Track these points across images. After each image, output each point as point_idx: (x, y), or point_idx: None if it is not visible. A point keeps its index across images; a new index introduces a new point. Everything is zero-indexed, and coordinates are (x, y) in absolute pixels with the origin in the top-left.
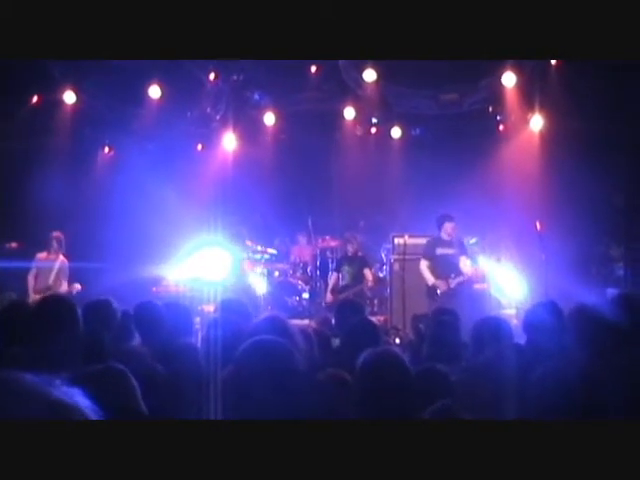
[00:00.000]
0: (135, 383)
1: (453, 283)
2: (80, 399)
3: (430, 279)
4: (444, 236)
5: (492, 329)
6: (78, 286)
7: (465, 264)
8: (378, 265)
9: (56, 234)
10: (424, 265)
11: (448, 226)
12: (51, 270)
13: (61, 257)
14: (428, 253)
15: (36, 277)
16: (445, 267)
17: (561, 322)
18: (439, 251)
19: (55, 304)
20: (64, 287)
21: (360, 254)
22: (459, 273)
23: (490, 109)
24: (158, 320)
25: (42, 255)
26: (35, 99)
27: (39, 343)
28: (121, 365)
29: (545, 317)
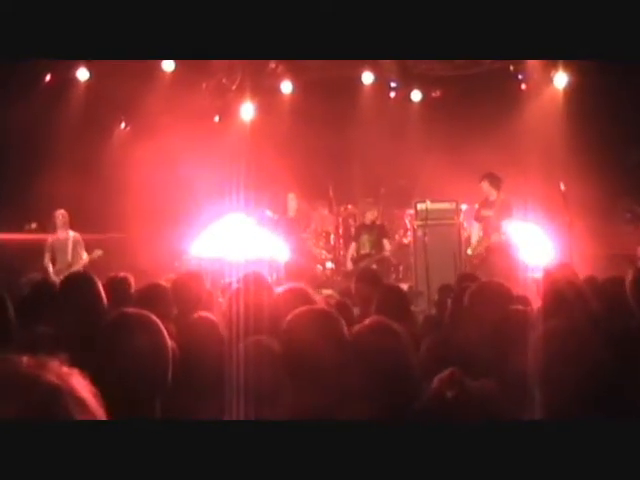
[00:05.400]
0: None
1: (480, 248)
2: (78, 380)
3: (473, 242)
4: (489, 197)
5: (489, 294)
6: (99, 251)
7: (504, 228)
8: (402, 231)
9: (59, 212)
10: (475, 227)
11: (482, 185)
12: (66, 248)
13: (71, 233)
14: (476, 215)
15: (53, 260)
16: (485, 230)
17: (575, 286)
18: (483, 213)
19: (76, 282)
20: (84, 260)
21: (379, 222)
22: (491, 236)
23: (511, 67)
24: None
25: (51, 237)
26: (48, 78)
27: (63, 322)
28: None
29: (559, 281)
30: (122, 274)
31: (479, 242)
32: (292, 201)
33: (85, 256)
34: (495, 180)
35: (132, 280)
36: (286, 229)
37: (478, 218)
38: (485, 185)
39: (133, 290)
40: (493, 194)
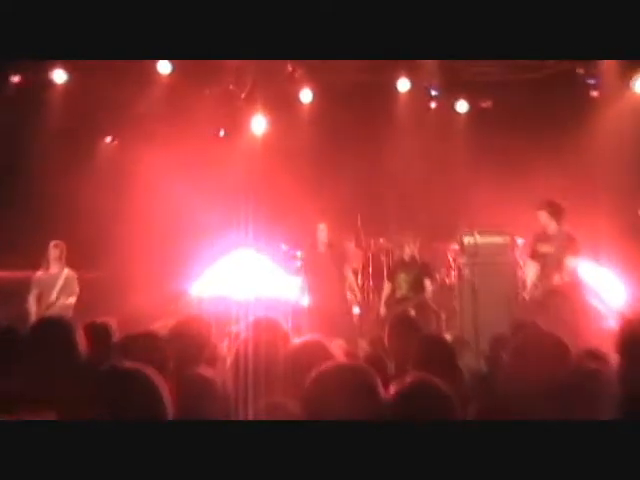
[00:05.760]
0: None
1: (537, 292)
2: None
3: (528, 284)
4: (547, 229)
5: (553, 348)
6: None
7: (568, 266)
8: (444, 270)
9: (55, 243)
10: (530, 268)
11: (539, 215)
12: (53, 286)
13: (65, 269)
14: (531, 252)
15: (39, 299)
16: (543, 269)
17: None
18: (540, 249)
19: (49, 328)
20: (70, 302)
21: (419, 259)
22: (552, 277)
23: (580, 71)
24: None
25: (40, 272)
26: (17, 80)
27: (32, 375)
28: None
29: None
30: (102, 319)
31: (536, 284)
32: (322, 232)
33: (73, 300)
34: (555, 209)
35: (114, 326)
36: (315, 267)
37: (534, 255)
38: (543, 215)
39: (115, 338)
40: (553, 226)
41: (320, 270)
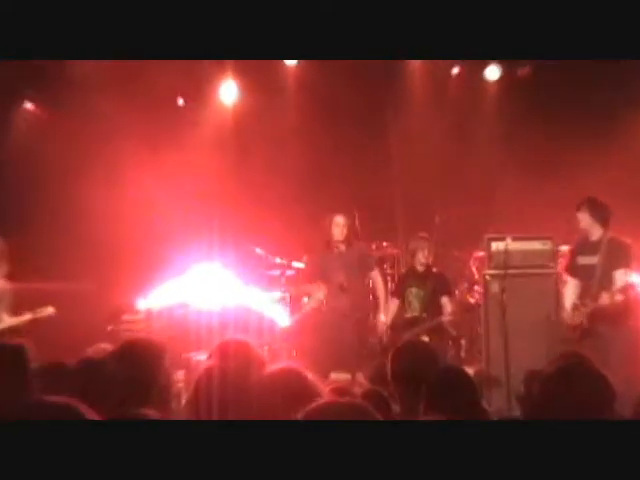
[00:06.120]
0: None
1: (579, 315)
2: None
3: (567, 306)
4: (590, 236)
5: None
6: (50, 309)
7: (620, 282)
8: (466, 285)
9: None
10: (569, 285)
11: (579, 217)
12: None
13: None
14: (569, 265)
15: None
16: (586, 286)
17: None
18: (580, 261)
19: None
20: (6, 321)
21: (435, 270)
22: (599, 296)
23: None
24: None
25: None
26: None
27: None
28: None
29: None
30: (15, 342)
31: (577, 305)
32: (338, 227)
33: (6, 317)
34: (600, 210)
35: (31, 350)
36: (327, 273)
37: (572, 269)
38: (584, 217)
39: (32, 365)
40: (596, 231)
41: (333, 277)
